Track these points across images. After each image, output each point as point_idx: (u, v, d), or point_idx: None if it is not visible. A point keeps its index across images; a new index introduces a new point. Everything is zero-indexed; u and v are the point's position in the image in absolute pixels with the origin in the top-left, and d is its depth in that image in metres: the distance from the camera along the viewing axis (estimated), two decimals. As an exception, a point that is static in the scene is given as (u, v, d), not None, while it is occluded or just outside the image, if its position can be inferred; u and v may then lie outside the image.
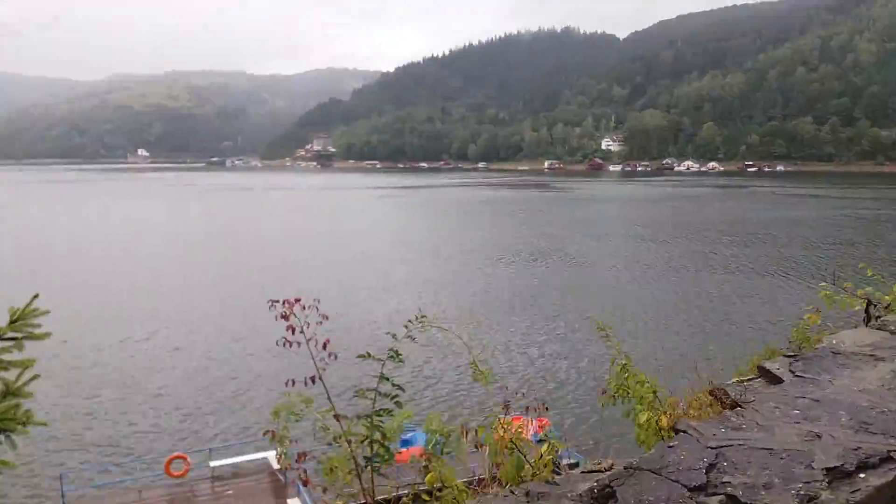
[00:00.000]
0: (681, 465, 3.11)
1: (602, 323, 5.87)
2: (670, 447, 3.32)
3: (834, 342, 4.69)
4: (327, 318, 4.98)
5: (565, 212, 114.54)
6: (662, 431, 4.28)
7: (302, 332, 4.84)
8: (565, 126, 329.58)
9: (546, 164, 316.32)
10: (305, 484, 5.09)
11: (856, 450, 3.10)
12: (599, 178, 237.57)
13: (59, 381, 32.17)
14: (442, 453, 4.55)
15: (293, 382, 4.82)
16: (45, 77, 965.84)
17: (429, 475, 4.02)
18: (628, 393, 5.39)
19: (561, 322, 41.39)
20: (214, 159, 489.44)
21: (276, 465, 20.73)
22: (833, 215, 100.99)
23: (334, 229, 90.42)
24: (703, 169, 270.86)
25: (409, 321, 5.15)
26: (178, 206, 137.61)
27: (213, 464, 22.17)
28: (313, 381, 4.85)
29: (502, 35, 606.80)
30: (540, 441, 16.93)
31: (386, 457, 4.50)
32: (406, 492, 4.56)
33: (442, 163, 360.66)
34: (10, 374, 2.60)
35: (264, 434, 5.07)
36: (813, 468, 2.98)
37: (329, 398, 4.78)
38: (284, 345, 4.69)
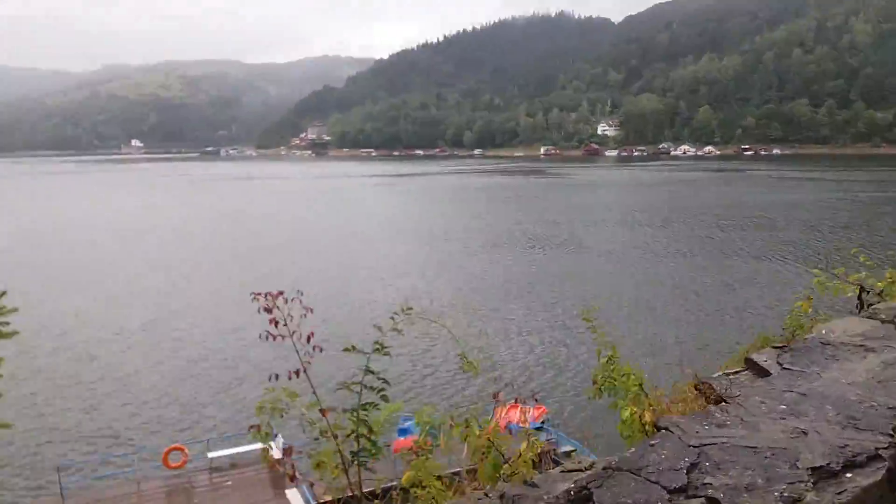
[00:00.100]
0: (661, 465, 2.99)
1: (588, 313, 5.73)
2: (651, 445, 3.20)
3: (824, 332, 4.56)
4: (312, 310, 4.86)
5: (561, 198, 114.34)
6: (646, 427, 4.15)
7: (286, 324, 4.73)
8: (561, 111, 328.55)
9: (542, 149, 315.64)
10: (292, 479, 5.02)
11: (843, 447, 2.98)
12: (596, 164, 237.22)
13: (57, 373, 32.19)
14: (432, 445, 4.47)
15: (276, 377, 4.73)
16: (38, 69, 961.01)
17: (406, 475, 3.90)
18: (615, 385, 5.27)
19: (558, 309, 41.34)
20: (209, 149, 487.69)
21: (276, 456, 20.72)
22: (829, 198, 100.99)
23: (329, 219, 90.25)
24: (699, 153, 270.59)
25: (395, 313, 5.03)
26: (172, 197, 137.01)
27: (211, 455, 22.13)
28: (297, 375, 4.74)
29: (496, 20, 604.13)
30: (538, 429, 16.85)
31: (373, 451, 4.44)
32: (395, 484, 4.50)
33: (437, 150, 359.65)
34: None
35: (250, 429, 4.98)
36: (798, 468, 2.86)
37: (314, 392, 4.69)
38: (267, 338, 4.59)
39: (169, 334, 38.28)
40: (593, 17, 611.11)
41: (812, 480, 2.76)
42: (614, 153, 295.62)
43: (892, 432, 3.10)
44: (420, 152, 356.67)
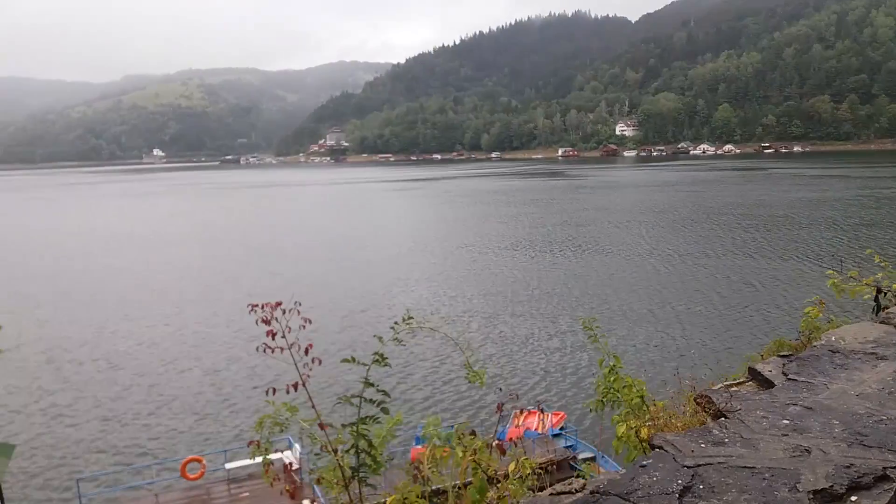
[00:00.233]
0: (652, 489, 2.81)
1: (589, 322, 5.53)
2: (643, 466, 3.01)
3: (833, 339, 4.32)
4: (310, 321, 4.78)
5: (578, 200, 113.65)
6: (643, 444, 3.95)
7: (283, 336, 4.65)
8: (578, 112, 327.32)
9: (560, 151, 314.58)
10: (293, 496, 4.90)
11: (848, 467, 2.77)
12: (614, 165, 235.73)
13: (78, 384, 32.39)
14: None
15: (274, 391, 4.66)
16: (62, 81, 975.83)
17: (390, 498, 3.75)
18: (618, 397, 5.08)
19: (570, 314, 40.82)
20: (229, 157, 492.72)
21: (293, 465, 20.65)
22: (853, 196, 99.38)
23: (345, 226, 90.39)
24: (718, 152, 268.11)
25: (396, 322, 4.94)
26: (194, 205, 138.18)
27: (228, 466, 22.09)
28: (295, 388, 4.66)
29: (512, 22, 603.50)
30: (557, 435, 16.53)
31: (373, 466, 4.35)
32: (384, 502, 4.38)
33: (455, 154, 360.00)
34: None
35: (248, 444, 4.93)
36: (798, 490, 2.66)
37: (314, 406, 4.61)
38: (265, 351, 4.52)
39: (189, 343, 38.38)
40: (610, 16, 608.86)
41: (813, 505, 2.56)
42: (633, 153, 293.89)
43: (901, 450, 2.88)
44: (438, 156, 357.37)
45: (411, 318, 4.97)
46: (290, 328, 4.66)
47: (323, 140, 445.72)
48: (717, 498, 2.69)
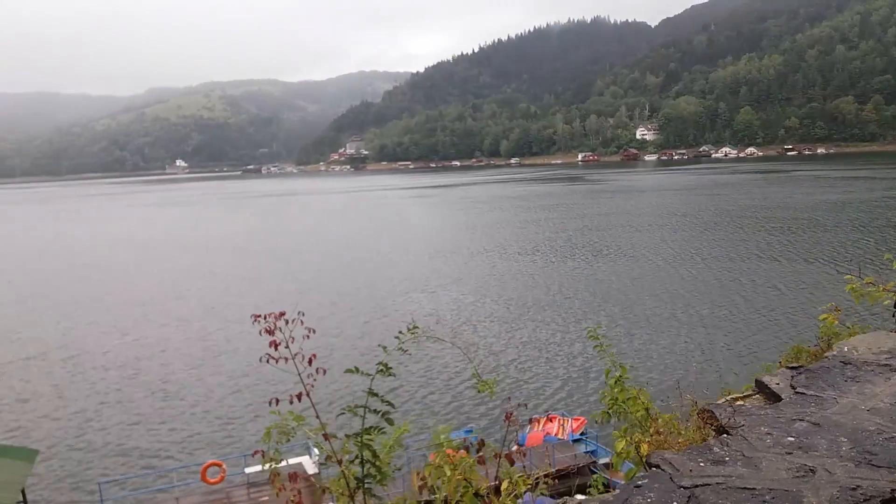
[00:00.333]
0: (645, 512, 2.66)
1: (594, 331, 5.38)
2: (638, 486, 2.86)
3: (846, 349, 4.13)
4: (314, 331, 4.74)
5: (598, 204, 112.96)
6: (643, 459, 3.80)
7: (287, 346, 4.62)
8: (598, 117, 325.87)
9: (580, 156, 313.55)
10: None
11: (854, 489, 2.60)
12: (635, 169, 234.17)
13: (98, 390, 32.76)
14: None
15: (277, 401, 4.63)
16: (87, 95, 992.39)
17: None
18: (625, 408, 4.92)
19: (584, 320, 40.51)
20: (251, 167, 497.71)
21: (311, 471, 20.59)
22: (879, 198, 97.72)
23: (364, 233, 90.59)
24: (740, 155, 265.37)
25: (401, 332, 4.88)
26: (218, 214, 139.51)
27: (248, 470, 22.14)
28: (299, 399, 4.63)
29: (531, 29, 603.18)
30: (577, 441, 16.36)
31: (378, 477, 4.29)
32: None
33: (474, 160, 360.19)
34: None
35: (254, 454, 4.93)
36: (800, 514, 2.50)
37: (318, 416, 4.57)
38: (268, 361, 4.49)
39: (211, 349, 38.66)
40: (629, 21, 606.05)
41: (814, 531, 2.40)
42: (654, 157, 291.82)
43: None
44: (457, 163, 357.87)
45: (416, 327, 4.96)
46: (293, 338, 4.61)
47: (343, 149, 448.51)
48: (713, 522, 2.54)
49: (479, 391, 5.10)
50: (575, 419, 24.45)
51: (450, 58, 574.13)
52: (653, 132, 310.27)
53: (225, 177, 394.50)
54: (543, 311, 43.18)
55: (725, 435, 3.24)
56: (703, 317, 39.76)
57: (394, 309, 45.51)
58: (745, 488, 2.73)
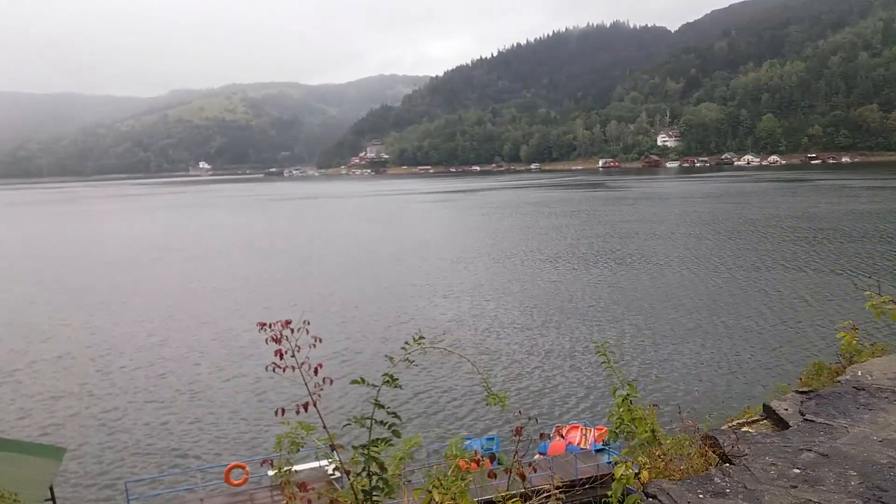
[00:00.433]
0: (639, 547, 2.55)
1: (602, 346, 5.27)
2: (634, 520, 2.75)
3: (860, 373, 3.98)
4: (320, 340, 4.74)
5: (620, 212, 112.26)
6: (643, 486, 3.67)
7: (293, 355, 4.62)
8: (619, 123, 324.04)
9: (600, 162, 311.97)
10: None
11: (861, 530, 2.46)
12: (656, 176, 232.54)
13: (124, 390, 33.11)
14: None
15: (283, 411, 4.62)
16: (111, 96, 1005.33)
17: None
18: (633, 428, 4.81)
19: (618, 328, 40.20)
20: (273, 169, 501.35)
21: (333, 474, 20.61)
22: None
23: (382, 238, 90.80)
24: (763, 163, 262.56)
25: (407, 343, 4.85)
26: (242, 216, 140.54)
27: (271, 472, 22.14)
28: (305, 409, 4.62)
29: (550, 33, 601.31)
30: (600, 451, 16.24)
31: (386, 490, 4.26)
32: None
33: (494, 165, 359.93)
34: None
35: (262, 463, 4.96)
36: (801, 556, 2.37)
37: (325, 427, 4.55)
38: (274, 370, 4.47)
39: (235, 352, 38.89)
40: (649, 25, 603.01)
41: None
42: (675, 164, 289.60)
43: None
44: (476, 168, 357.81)
45: (422, 337, 4.97)
46: (299, 347, 4.44)
47: (363, 152, 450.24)
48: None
49: (488, 405, 5.04)
50: (598, 429, 24.31)
51: (469, 62, 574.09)
52: (674, 139, 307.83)
53: (248, 179, 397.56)
54: (567, 318, 42.97)
55: (728, 464, 3.12)
56: (726, 328, 39.35)
57: (417, 313, 45.62)
58: (744, 525, 2.60)
